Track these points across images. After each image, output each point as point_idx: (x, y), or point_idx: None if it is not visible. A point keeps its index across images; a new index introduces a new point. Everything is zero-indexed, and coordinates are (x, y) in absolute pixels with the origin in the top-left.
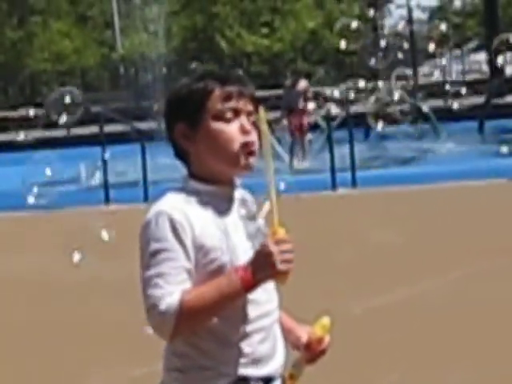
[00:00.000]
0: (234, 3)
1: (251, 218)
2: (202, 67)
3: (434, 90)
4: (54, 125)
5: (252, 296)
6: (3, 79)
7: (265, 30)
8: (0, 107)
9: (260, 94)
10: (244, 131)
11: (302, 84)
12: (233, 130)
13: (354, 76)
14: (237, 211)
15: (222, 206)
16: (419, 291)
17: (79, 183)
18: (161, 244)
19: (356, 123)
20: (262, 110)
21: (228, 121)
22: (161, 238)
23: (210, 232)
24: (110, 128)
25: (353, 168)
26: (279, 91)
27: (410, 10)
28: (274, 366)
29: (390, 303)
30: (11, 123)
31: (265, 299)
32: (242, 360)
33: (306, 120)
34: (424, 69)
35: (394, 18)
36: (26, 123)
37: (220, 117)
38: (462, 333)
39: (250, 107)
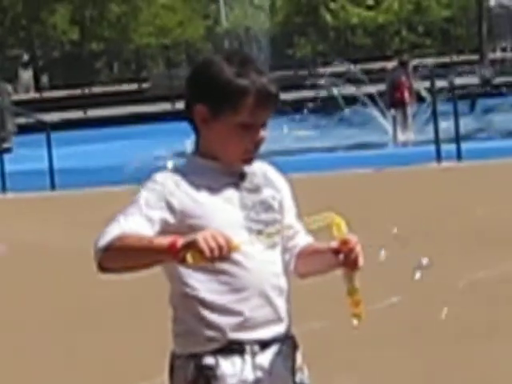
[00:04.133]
0: None
1: (254, 190)
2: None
3: None
4: (159, 99)
5: (235, 266)
6: (108, 54)
7: (369, 2)
8: (105, 82)
9: (364, 66)
10: (254, 141)
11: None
12: (246, 138)
13: (459, 48)
14: (237, 184)
15: (219, 179)
16: None
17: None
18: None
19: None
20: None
21: (245, 128)
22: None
23: (194, 199)
24: None
25: (457, 140)
26: (383, 63)
27: None
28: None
29: (495, 277)
30: (116, 98)
31: (256, 268)
32: (233, 325)
33: (408, 93)
34: None
35: None
36: (130, 97)
37: (241, 124)
38: None
39: (268, 117)
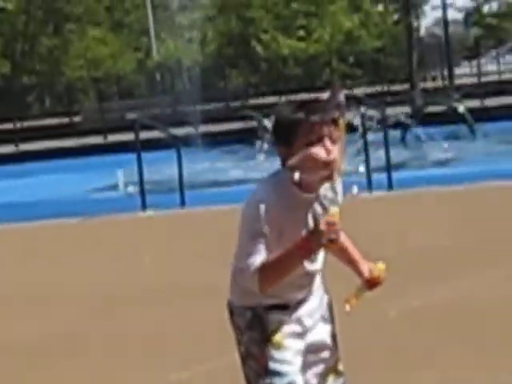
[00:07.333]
0: (269, 7)
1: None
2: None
3: (470, 91)
4: (90, 132)
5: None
6: (40, 88)
7: (300, 33)
8: (37, 116)
9: (295, 97)
10: (326, 152)
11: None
12: (318, 151)
13: (390, 77)
14: (311, 208)
15: (300, 204)
16: (457, 293)
17: (116, 190)
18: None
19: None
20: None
21: (313, 144)
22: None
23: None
24: (146, 134)
25: (388, 170)
26: (314, 94)
27: (445, 11)
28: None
29: (428, 305)
30: (48, 131)
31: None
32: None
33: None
34: (460, 70)
35: (429, 19)
36: (62, 131)
37: (308, 142)
38: (504, 334)
39: (332, 130)
